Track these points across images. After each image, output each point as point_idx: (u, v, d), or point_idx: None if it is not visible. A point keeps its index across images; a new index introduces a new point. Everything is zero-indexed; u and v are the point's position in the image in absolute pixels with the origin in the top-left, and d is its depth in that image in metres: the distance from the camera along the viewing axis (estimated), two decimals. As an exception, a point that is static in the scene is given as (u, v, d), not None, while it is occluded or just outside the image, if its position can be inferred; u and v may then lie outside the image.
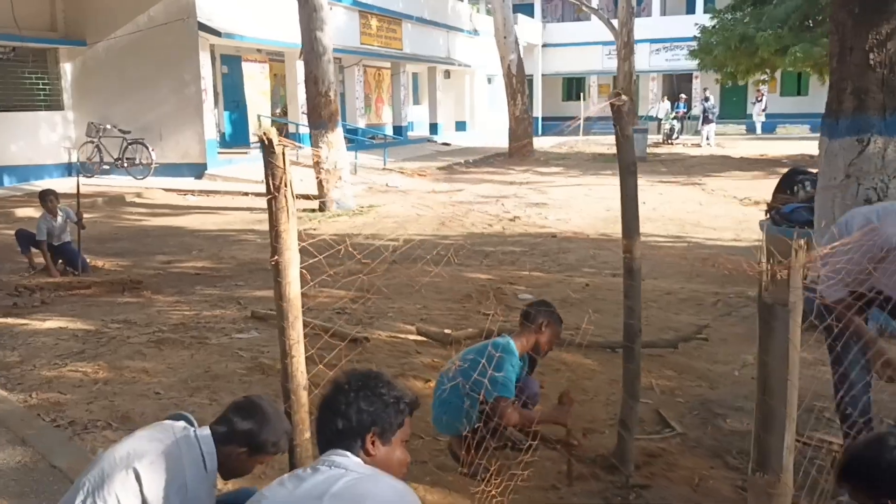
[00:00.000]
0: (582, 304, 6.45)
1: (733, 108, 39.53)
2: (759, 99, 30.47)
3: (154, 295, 7.08)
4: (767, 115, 33.97)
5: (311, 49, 12.11)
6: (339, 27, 20.42)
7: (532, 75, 41.66)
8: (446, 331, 5.58)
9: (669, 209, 12.48)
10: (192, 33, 15.44)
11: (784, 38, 18.82)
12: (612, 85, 43.37)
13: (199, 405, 4.21)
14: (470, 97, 31.46)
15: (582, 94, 35.22)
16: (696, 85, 40.93)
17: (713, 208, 12.70)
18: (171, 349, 5.16)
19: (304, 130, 19.03)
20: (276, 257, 2.43)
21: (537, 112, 42.73)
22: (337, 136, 12.50)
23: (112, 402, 4.27)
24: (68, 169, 16.63)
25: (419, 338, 5.42)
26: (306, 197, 14.11)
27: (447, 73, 29.90)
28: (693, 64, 40.13)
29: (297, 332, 2.48)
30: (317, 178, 12.66)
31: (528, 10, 42.73)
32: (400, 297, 6.76)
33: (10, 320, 6.17)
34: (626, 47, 23.07)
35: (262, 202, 13.77)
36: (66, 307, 6.65)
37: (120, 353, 5.09)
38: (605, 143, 31.49)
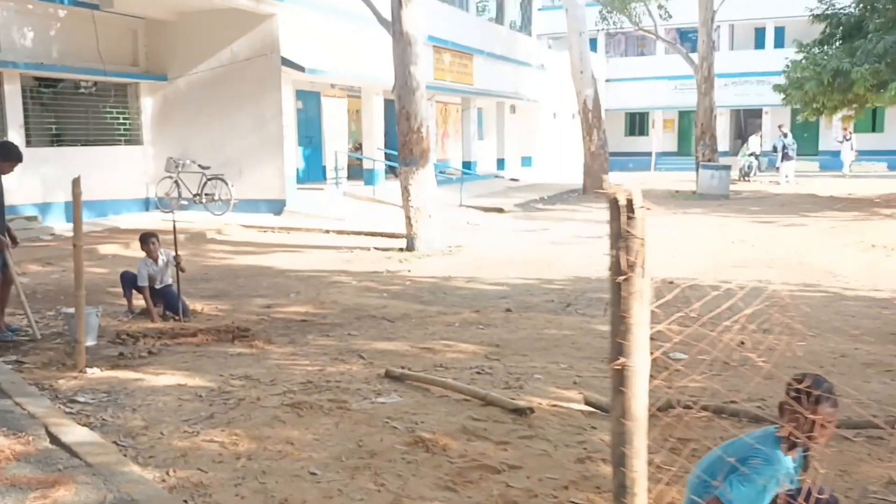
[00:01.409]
0: (751, 367, 5.72)
1: (805, 144, 38.27)
2: (848, 137, 29.19)
3: (266, 345, 6.56)
4: (840, 153, 32.68)
5: (404, 84, 11.70)
6: (413, 62, 20.12)
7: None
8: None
9: (782, 251, 11.64)
10: (276, 68, 15.23)
11: (882, 73, 17.93)
12: (676, 120, 42.69)
13: (366, 491, 3.61)
14: (536, 133, 30.94)
15: (653, 128, 34.28)
16: (766, 121, 39.88)
17: (827, 252, 11.82)
18: (310, 415, 4.60)
19: (380, 166, 18.70)
20: (621, 359, 1.78)
21: (599, 147, 42.20)
22: (428, 174, 12.02)
23: (263, 483, 3.70)
24: (146, 204, 16.50)
25: (585, 407, 4.75)
26: (390, 235, 13.66)
27: (513, 108, 29.48)
28: (762, 99, 39.57)
29: (641, 464, 1.82)
30: (406, 216, 12.16)
31: (592, 46, 42.34)
32: (535, 353, 6.12)
33: (120, 374, 5.70)
34: (706, 82, 22.34)
35: (346, 240, 13.33)
36: (176, 358, 6.17)
37: (255, 419, 4.54)
38: (674, 179, 30.68)
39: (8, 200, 13.49)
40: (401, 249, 12.28)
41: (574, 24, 21.80)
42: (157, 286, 7.83)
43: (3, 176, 6.97)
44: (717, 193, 21.10)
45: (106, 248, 12.15)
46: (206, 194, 15.85)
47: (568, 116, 35.85)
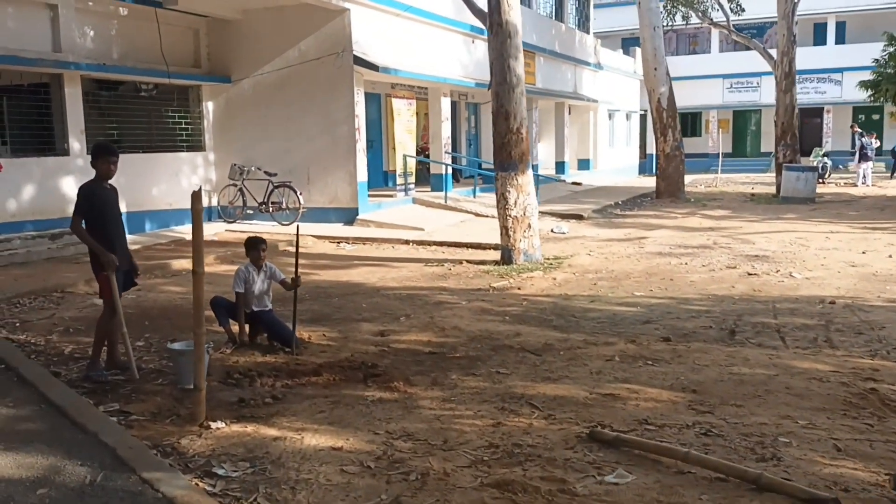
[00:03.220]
0: None
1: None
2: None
3: (407, 387, 5.52)
4: None
5: (502, 80, 10.63)
6: (479, 61, 19.13)
7: (646, 111, 39.84)
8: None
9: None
10: (347, 68, 14.25)
11: None
12: (731, 120, 41.17)
13: None
14: (594, 134, 29.73)
15: (712, 129, 32.91)
16: (828, 119, 38.28)
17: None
18: (529, 503, 3.53)
19: (448, 171, 17.66)
20: None
21: (651, 149, 40.82)
22: (527, 179, 10.94)
23: None
24: (208, 213, 15.61)
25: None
26: (476, 246, 12.62)
27: (569, 109, 28.32)
28: (823, 98, 37.94)
29: None
30: (502, 225, 11.08)
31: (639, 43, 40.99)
32: (749, 402, 4.99)
33: (249, 428, 4.70)
34: (787, 78, 20.98)
35: (429, 252, 12.26)
36: (308, 406, 5.14)
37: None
38: (739, 181, 29.31)
39: (68, 210, 12.72)
40: (496, 262, 11.22)
41: (647, 19, 20.62)
42: (256, 308, 6.83)
43: (109, 181, 6.03)
44: (803, 196, 19.78)
45: (178, 264, 11.21)
46: (272, 203, 14.91)
47: (622, 117, 34.63)
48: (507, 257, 11.02)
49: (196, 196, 4.80)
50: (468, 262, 11.41)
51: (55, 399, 5.11)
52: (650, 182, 30.04)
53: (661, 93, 20.85)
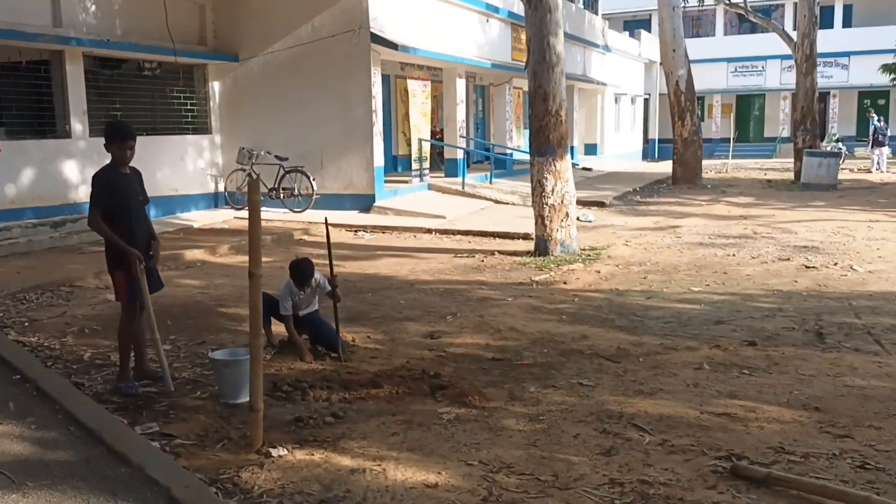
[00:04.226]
0: None
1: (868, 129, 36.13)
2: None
3: (482, 401, 4.86)
4: None
5: (541, 58, 9.93)
6: (493, 41, 18.39)
7: (649, 94, 39.15)
8: None
9: None
10: (364, 46, 13.49)
11: None
12: (734, 105, 40.51)
13: None
14: (601, 118, 29.03)
15: (733, 115, 32.25)
16: (834, 105, 37.70)
17: None
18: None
19: (461, 155, 16.98)
20: None
21: (653, 134, 40.20)
22: (566, 165, 10.26)
23: None
24: (215, 199, 14.90)
25: None
26: (503, 235, 11.96)
27: (577, 93, 27.58)
28: (829, 82, 37.30)
29: None
30: (537, 214, 10.42)
31: (644, 26, 40.25)
32: (887, 423, 4.36)
33: (317, 456, 4.05)
34: (807, 61, 20.31)
35: (454, 242, 11.55)
36: (377, 426, 4.49)
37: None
38: (749, 167, 28.75)
39: (70, 196, 12.02)
40: (529, 253, 10.56)
41: (666, -2, 19.90)
42: (301, 312, 6.14)
43: (126, 166, 5.28)
44: (826, 183, 19.19)
45: (191, 254, 10.50)
46: (283, 189, 14.17)
47: (627, 102, 33.94)
48: (542, 248, 10.36)
49: (253, 186, 4.10)
50: (500, 252, 10.74)
51: (85, 420, 4.42)
52: (657, 167, 29.50)
53: (680, 75, 20.18)
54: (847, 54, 36.49)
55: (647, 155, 37.96)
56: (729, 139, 36.58)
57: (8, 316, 7.28)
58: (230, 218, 13.89)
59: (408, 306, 7.72)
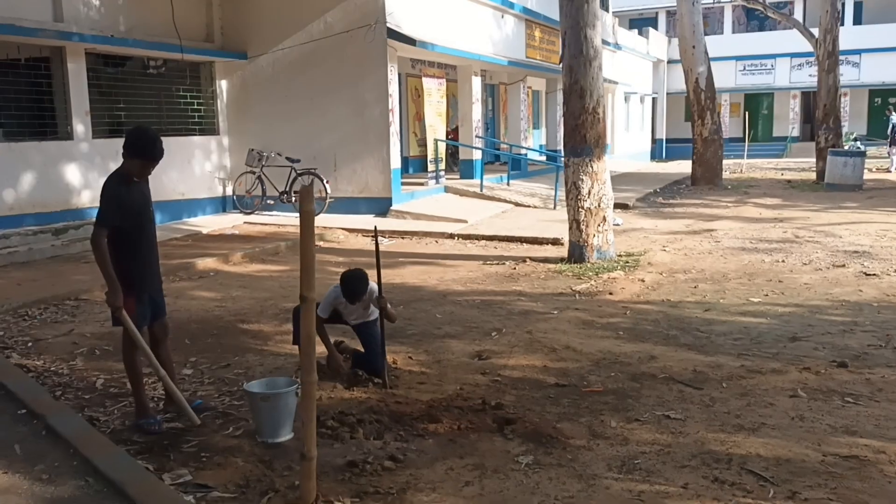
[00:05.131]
0: None
1: (882, 127, 35.54)
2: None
3: (560, 438, 4.22)
4: None
5: (577, 52, 9.29)
6: (508, 37, 17.77)
7: (657, 93, 38.56)
8: None
9: None
10: (380, 42, 12.83)
11: None
12: (742, 103, 39.89)
13: None
14: (612, 117, 28.40)
15: (747, 114, 31.64)
16: (845, 103, 37.07)
17: None
18: None
19: (478, 156, 16.36)
20: None
21: (661, 133, 39.62)
22: (603, 166, 9.63)
23: None
24: (223, 203, 14.25)
25: None
26: (531, 241, 11.33)
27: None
28: (841, 80, 36.63)
29: None
30: (572, 219, 9.78)
31: (653, 24, 39.68)
32: None
33: (383, 514, 3.38)
34: (829, 58, 19.70)
35: (480, 248, 10.91)
36: (443, 472, 3.87)
37: None
38: (764, 166, 28.15)
39: (73, 202, 11.34)
40: (562, 260, 9.93)
41: (686, -7, 19.27)
42: (353, 322, 5.49)
43: (143, 181, 4.63)
44: (851, 184, 18.56)
45: (203, 263, 9.84)
46: (295, 192, 13.51)
47: (637, 101, 33.34)
48: (577, 254, 9.72)
49: (306, 193, 3.45)
50: (531, 259, 10.09)
51: (105, 469, 3.77)
52: (670, 168, 28.92)
53: (700, 73, 19.58)
54: (858, 52, 35.88)
55: (655, 155, 37.42)
56: (738, 138, 36.04)
57: (9, 335, 6.64)
58: (240, 223, 13.24)
59: (446, 321, 7.08)
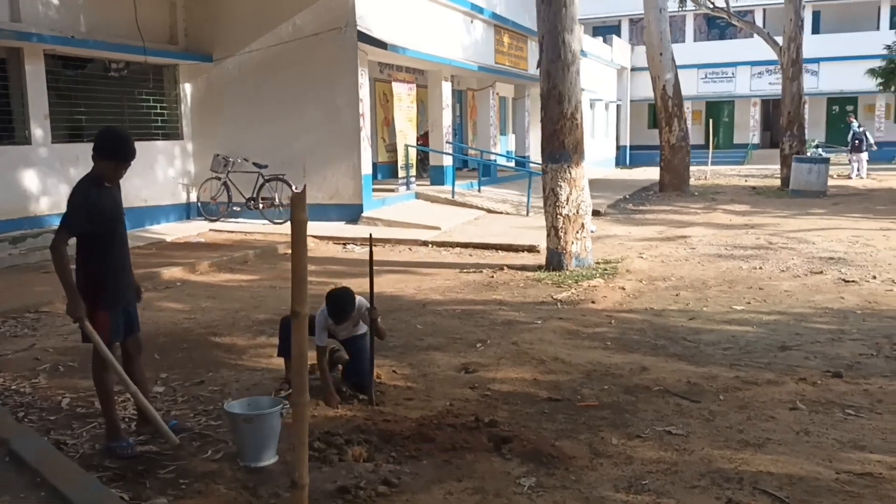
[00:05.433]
0: None
1: (839, 135, 36.14)
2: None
3: (563, 457, 4.03)
4: (879, 144, 29.98)
5: (556, 57, 9.16)
6: (477, 42, 17.64)
7: (621, 101, 38.82)
8: None
9: None
10: (350, 45, 12.59)
11: None
12: (704, 111, 40.35)
13: None
14: (578, 124, 28.41)
15: (711, 121, 31.91)
16: (804, 111, 37.61)
17: None
18: None
19: (448, 162, 16.19)
20: None
21: (624, 141, 39.90)
22: (581, 172, 9.51)
23: None
24: (187, 210, 13.85)
25: None
26: (507, 248, 11.17)
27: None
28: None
29: None
30: (550, 225, 9.63)
31: (615, 31, 39.96)
32: None
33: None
34: (793, 65, 19.93)
35: (454, 256, 10.68)
36: (442, 497, 3.64)
37: None
38: (728, 173, 28.41)
39: (31, 209, 10.86)
40: (540, 267, 9.78)
41: (653, 0, 19.33)
42: (341, 337, 5.25)
43: (112, 185, 4.36)
44: (816, 190, 18.76)
45: (169, 273, 9.48)
46: (262, 198, 13.18)
47: (602, 108, 33.50)
48: (556, 262, 9.57)
49: (298, 200, 3.19)
50: (508, 267, 9.92)
51: (76, 500, 3.48)
52: (635, 174, 29.05)
53: (667, 79, 19.64)
54: (817, 60, 36.50)
55: (619, 162, 37.68)
56: (700, 146, 36.39)
57: (-35, 351, 6.25)
58: (205, 230, 12.86)
59: (427, 332, 6.85)
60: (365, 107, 12.97)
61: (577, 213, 9.50)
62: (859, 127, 25.18)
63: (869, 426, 4.42)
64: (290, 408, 4.36)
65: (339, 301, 4.96)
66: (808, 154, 25.15)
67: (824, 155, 26.06)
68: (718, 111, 40.46)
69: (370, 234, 5.57)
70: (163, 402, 5.04)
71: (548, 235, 9.73)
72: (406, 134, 14.92)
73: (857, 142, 24.96)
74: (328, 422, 4.65)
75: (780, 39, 20.96)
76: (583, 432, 4.43)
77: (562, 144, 9.33)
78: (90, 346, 4.22)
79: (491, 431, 4.41)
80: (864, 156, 25.02)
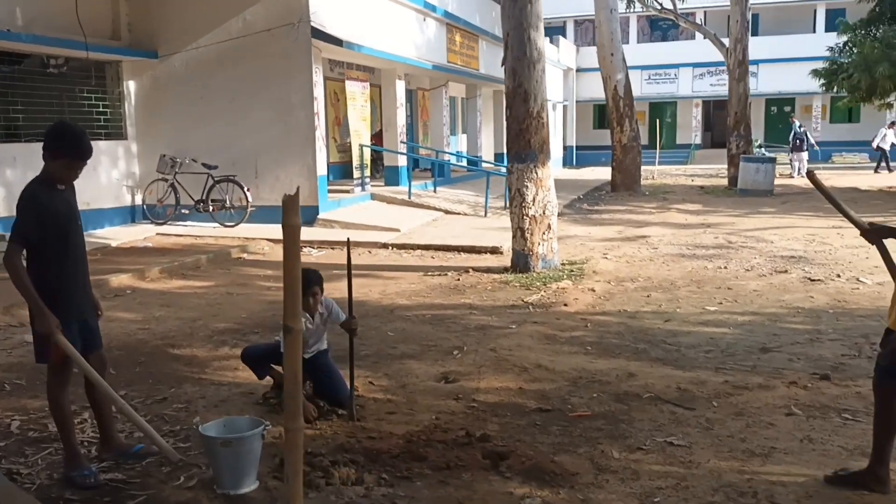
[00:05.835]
0: None
1: (778, 135, 36.98)
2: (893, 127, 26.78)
3: (565, 474, 3.80)
4: (819, 143, 30.60)
5: (521, 55, 8.97)
6: (430, 41, 17.39)
7: (567, 101, 39.04)
8: None
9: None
10: (304, 42, 12.19)
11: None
12: (647, 112, 40.88)
13: None
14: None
15: (658, 121, 32.22)
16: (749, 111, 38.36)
17: None
18: None
19: (403, 162, 15.90)
20: None
21: (571, 141, 40.16)
22: (547, 172, 9.34)
23: None
24: (132, 213, 13.27)
25: None
26: (469, 249, 10.95)
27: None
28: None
29: None
30: (516, 227, 9.44)
31: (561, 33, 40.15)
32: None
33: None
34: (740, 66, 20.19)
35: (415, 258, 10.43)
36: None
37: None
38: (672, 173, 28.77)
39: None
40: (505, 269, 9.58)
41: (604, 1, 19.36)
42: (306, 355, 4.91)
43: (65, 186, 3.98)
44: (763, 189, 19.07)
45: (117, 280, 8.97)
46: (212, 200, 12.67)
47: (550, 108, 33.55)
48: (522, 264, 9.38)
49: (291, 203, 2.88)
50: (474, 269, 9.69)
51: (38, 541, 3.09)
52: (585, 174, 29.18)
53: (618, 80, 19.69)
54: (756, 62, 37.13)
55: (567, 162, 37.89)
56: (645, 146, 36.88)
57: None
58: (152, 234, 12.30)
59: (399, 339, 6.58)
60: (320, 105, 12.59)
61: (544, 213, 9.34)
62: (800, 127, 25.71)
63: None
64: (271, 428, 4.05)
65: (310, 275, 4.62)
66: (754, 153, 25.67)
67: (769, 154, 26.64)
68: (662, 112, 41.00)
69: (348, 239, 5.28)
70: (124, 422, 4.63)
71: (514, 236, 9.53)
72: (360, 133, 14.58)
73: (798, 141, 25.52)
74: (308, 442, 4.32)
75: (725, 41, 21.26)
76: (581, 445, 4.22)
77: (528, 144, 9.14)
78: (44, 364, 3.84)
79: (485, 447, 4.16)
80: (805, 155, 25.59)
